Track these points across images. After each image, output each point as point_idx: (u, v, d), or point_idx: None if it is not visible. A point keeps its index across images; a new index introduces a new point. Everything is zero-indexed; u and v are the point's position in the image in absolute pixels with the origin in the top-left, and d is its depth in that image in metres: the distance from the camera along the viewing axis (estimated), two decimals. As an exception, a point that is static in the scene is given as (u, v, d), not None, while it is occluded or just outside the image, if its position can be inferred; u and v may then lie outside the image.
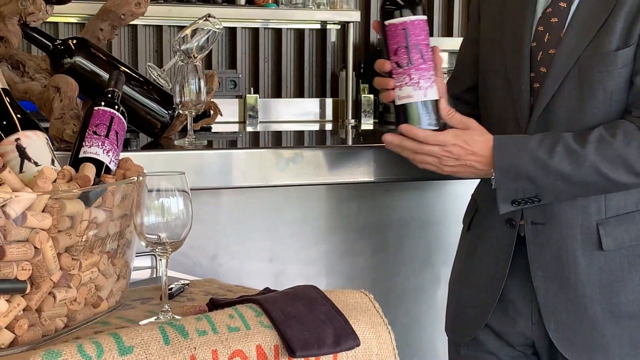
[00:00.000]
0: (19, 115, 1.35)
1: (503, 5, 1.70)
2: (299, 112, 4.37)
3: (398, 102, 1.54)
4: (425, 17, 1.55)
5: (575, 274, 1.60)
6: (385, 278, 2.07)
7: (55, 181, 1.25)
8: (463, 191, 1.90)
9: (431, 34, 4.86)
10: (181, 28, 3.09)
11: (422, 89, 1.53)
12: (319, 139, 2.41)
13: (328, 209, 1.95)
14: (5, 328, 1.17)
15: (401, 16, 1.51)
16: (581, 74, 1.56)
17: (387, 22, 1.51)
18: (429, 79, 1.54)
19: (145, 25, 4.13)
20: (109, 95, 1.54)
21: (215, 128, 2.68)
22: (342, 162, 1.82)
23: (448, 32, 4.80)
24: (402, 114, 1.55)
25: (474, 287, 1.73)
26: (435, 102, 1.57)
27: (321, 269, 2.00)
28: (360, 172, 1.84)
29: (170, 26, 4.18)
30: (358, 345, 1.32)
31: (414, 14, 1.52)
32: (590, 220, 1.59)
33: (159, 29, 4.19)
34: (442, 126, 1.59)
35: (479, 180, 1.76)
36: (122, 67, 1.83)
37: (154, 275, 1.73)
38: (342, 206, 1.97)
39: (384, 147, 1.66)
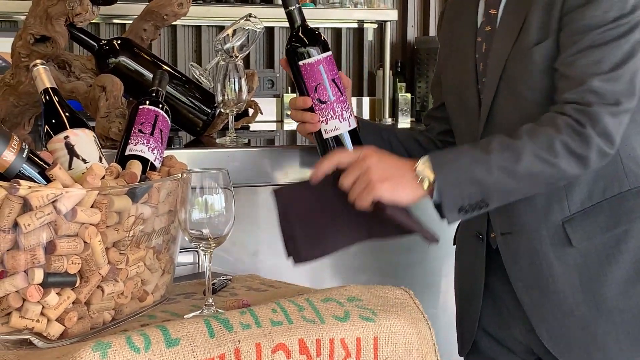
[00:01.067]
0: (67, 114, 1.39)
1: (452, 24, 1.72)
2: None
3: (327, 136, 1.57)
4: (330, 52, 1.58)
5: (553, 278, 1.56)
6: (424, 275, 2.08)
7: (103, 178, 1.28)
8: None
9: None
10: (220, 28, 3.08)
11: (345, 119, 1.57)
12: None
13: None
14: (56, 320, 1.21)
15: (313, 55, 1.53)
16: (508, 77, 1.53)
17: (302, 63, 1.53)
18: (348, 108, 1.58)
19: (185, 26, 4.17)
20: (153, 94, 1.57)
21: (254, 127, 2.71)
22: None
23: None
24: (331, 145, 1.57)
25: (463, 299, 1.76)
26: (356, 129, 1.60)
27: (360, 265, 2.02)
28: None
29: (209, 26, 4.21)
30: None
31: (324, 49, 1.55)
32: (555, 220, 1.54)
33: (197, 29, 4.23)
34: None
35: None
36: (165, 67, 1.87)
37: (197, 271, 1.76)
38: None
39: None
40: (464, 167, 1.44)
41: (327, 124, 1.55)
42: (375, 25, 4.56)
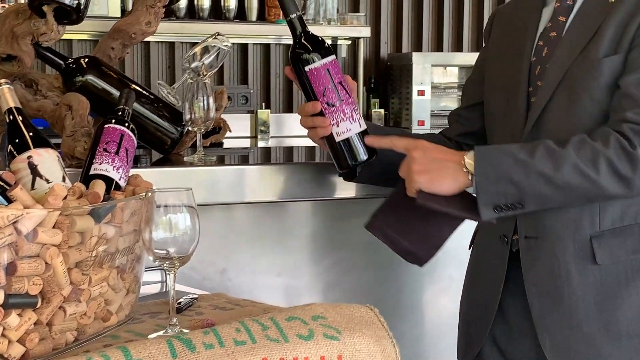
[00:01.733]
0: (31, 133, 1.39)
1: (509, 25, 1.73)
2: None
3: (339, 139, 1.57)
4: (334, 55, 1.59)
5: (569, 289, 1.56)
6: (391, 292, 2.08)
7: (65, 198, 1.28)
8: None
9: (441, 49, 4.88)
10: (194, 44, 3.10)
11: (356, 120, 1.58)
12: (329, 155, 2.44)
13: (336, 224, 1.97)
14: (17, 341, 1.20)
15: (318, 60, 1.54)
16: (569, 84, 1.55)
17: (308, 68, 1.54)
18: (357, 110, 1.59)
19: (158, 42, 4.18)
20: (120, 113, 1.57)
21: (227, 143, 2.70)
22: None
23: (458, 47, 4.82)
24: (344, 147, 1.58)
25: (475, 305, 1.75)
26: (367, 131, 1.61)
27: (329, 284, 2.03)
28: (368, 187, 1.86)
29: (182, 42, 4.23)
30: None
31: (328, 54, 1.56)
32: (584, 233, 1.55)
33: (171, 45, 4.24)
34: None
35: None
36: (133, 85, 1.87)
37: (164, 290, 1.75)
38: (348, 221, 1.99)
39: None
40: (505, 165, 1.47)
41: (338, 126, 1.55)
42: (349, 42, 4.59)
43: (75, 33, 3.91)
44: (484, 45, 1.86)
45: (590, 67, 1.52)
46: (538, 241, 1.60)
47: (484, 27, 1.88)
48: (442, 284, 2.11)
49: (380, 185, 1.76)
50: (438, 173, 1.50)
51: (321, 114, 1.57)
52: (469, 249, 1.80)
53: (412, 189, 1.51)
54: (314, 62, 1.54)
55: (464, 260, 1.82)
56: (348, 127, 1.56)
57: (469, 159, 1.49)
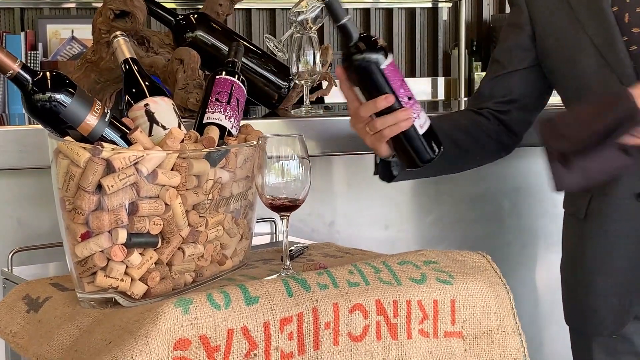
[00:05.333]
0: (147, 83, 1.42)
1: None
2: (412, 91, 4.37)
3: (422, 130, 1.49)
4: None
5: None
6: (499, 247, 2.06)
7: (182, 142, 1.31)
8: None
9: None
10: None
11: (424, 112, 1.51)
12: (430, 107, 2.41)
13: (442, 177, 1.95)
14: (139, 280, 1.25)
15: (387, 56, 1.46)
16: None
17: (384, 66, 1.44)
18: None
19: (259, 9, 4.22)
20: (230, 65, 1.59)
21: (328, 101, 2.70)
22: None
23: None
24: (426, 139, 1.49)
25: (614, 275, 1.62)
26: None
27: (436, 236, 2.01)
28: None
29: (283, 9, 4.25)
30: None
31: (386, 49, 1.49)
32: None
33: (272, 12, 4.27)
34: None
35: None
36: (241, 41, 1.89)
37: (274, 240, 1.78)
38: (455, 174, 1.96)
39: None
40: None
41: (419, 118, 1.48)
42: (450, 4, 4.52)
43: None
44: (514, 9, 1.76)
45: None
46: None
47: None
48: (552, 239, 2.07)
49: (417, 178, 1.76)
50: None
51: (390, 110, 1.47)
52: (584, 218, 1.66)
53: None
54: (386, 58, 1.48)
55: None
56: (426, 118, 1.50)
57: None
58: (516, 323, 1.39)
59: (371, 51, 1.48)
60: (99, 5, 1.83)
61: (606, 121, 1.39)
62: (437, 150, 1.51)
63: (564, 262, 1.75)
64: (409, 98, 1.49)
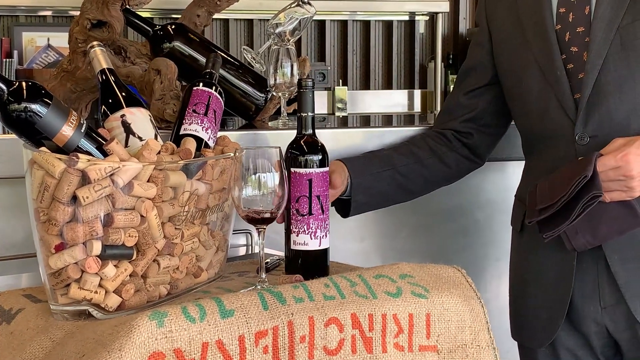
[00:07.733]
0: (123, 93, 1.42)
1: (515, 3, 1.69)
2: (388, 103, 4.37)
3: (294, 247, 1.51)
4: (328, 168, 1.51)
5: None
6: (474, 260, 2.07)
7: (159, 153, 1.30)
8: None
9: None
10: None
11: (317, 238, 1.50)
12: (407, 121, 2.42)
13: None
14: (113, 292, 1.24)
15: (306, 167, 1.47)
16: (624, 42, 1.53)
17: (293, 170, 1.46)
18: (324, 228, 1.51)
19: (237, 20, 4.21)
20: (207, 76, 1.59)
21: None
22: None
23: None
24: (298, 256, 1.50)
25: (543, 288, 1.68)
26: (327, 250, 1.52)
27: (412, 249, 2.02)
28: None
29: (260, 20, 4.25)
30: None
31: (321, 165, 1.49)
32: None
33: (249, 22, 4.26)
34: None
35: (519, 180, 1.74)
36: (218, 52, 1.89)
37: (249, 252, 1.77)
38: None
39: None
40: None
41: (297, 236, 1.49)
42: (427, 17, 4.54)
43: (155, 10, 3.97)
44: (479, 28, 1.80)
45: None
46: None
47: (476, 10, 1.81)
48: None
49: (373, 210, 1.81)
50: None
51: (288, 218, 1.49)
52: (520, 232, 1.72)
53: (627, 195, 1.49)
54: (301, 167, 1.46)
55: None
56: (306, 241, 1.48)
57: None
58: (490, 337, 1.39)
59: (296, 152, 1.46)
60: (76, 13, 1.83)
61: (570, 187, 1.48)
62: None
63: (510, 277, 1.80)
64: (298, 213, 1.47)
